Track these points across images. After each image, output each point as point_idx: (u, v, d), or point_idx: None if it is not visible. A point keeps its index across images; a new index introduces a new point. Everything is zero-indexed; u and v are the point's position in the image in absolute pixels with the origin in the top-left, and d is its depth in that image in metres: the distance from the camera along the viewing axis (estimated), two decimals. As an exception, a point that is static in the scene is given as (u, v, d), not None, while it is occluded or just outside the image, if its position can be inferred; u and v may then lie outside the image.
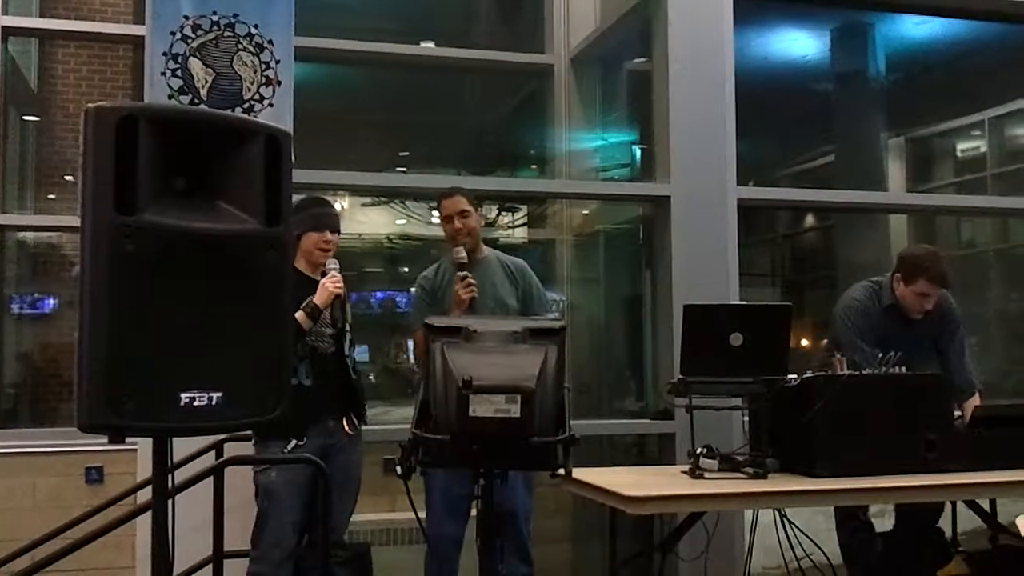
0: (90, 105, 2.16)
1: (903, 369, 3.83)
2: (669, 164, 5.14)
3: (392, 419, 5.63)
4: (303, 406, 3.47)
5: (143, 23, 4.52)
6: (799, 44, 10.22)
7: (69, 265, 7.97)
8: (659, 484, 3.49)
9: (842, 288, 4.69)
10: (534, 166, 8.23)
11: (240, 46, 4.34)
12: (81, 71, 8.40)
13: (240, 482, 3.85)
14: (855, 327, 4.36)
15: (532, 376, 2.61)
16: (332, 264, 3.98)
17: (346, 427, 4.00)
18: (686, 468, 3.58)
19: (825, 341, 4.77)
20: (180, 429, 2.31)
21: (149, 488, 2.50)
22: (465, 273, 4.04)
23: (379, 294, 10.55)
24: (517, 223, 8.99)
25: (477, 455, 2.67)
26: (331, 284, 3.91)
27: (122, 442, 2.19)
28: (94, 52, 8.40)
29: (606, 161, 6.91)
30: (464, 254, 4.11)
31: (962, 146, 12.49)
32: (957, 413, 4.17)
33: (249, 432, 3.82)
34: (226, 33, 4.33)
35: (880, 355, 3.91)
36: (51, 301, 8.19)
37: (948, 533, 4.53)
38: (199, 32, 4.29)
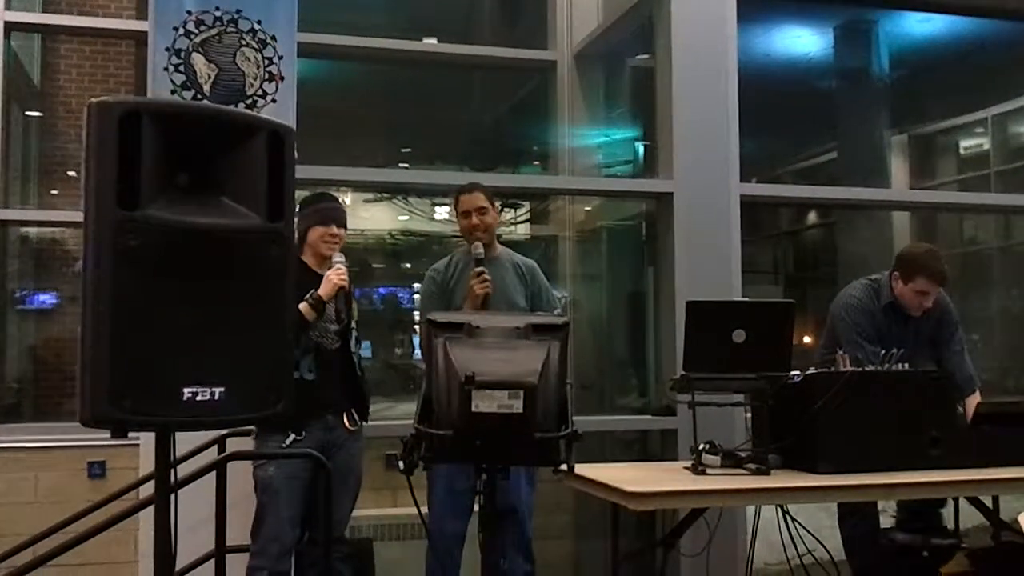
0: (93, 100, 2.16)
1: (905, 366, 3.83)
2: (672, 161, 5.14)
3: (395, 415, 5.64)
4: (304, 400, 3.48)
5: (146, 18, 4.52)
6: (802, 41, 10.22)
7: (72, 260, 7.97)
8: (661, 480, 3.49)
9: (844, 285, 4.69)
10: (537, 162, 8.23)
11: (243, 42, 4.34)
12: (84, 67, 8.40)
13: (241, 477, 3.85)
14: (856, 325, 4.36)
15: (535, 372, 2.62)
16: (338, 257, 3.99)
17: (346, 423, 4.00)
18: (688, 464, 3.58)
19: (822, 341, 4.76)
20: (182, 424, 2.31)
21: (151, 483, 2.50)
22: (481, 268, 4.05)
23: (381, 290, 10.56)
24: (520, 220, 8.99)
25: (480, 451, 2.67)
26: (335, 276, 3.92)
27: (124, 437, 2.20)
28: (97, 48, 8.40)
29: (609, 157, 6.91)
30: (482, 249, 4.11)
31: (965, 143, 12.47)
32: (959, 410, 4.17)
33: (251, 427, 3.82)
34: (229, 29, 4.33)
35: (882, 352, 3.91)
36: (54, 296, 8.19)
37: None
38: (202, 28, 4.30)
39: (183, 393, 2.20)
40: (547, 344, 2.72)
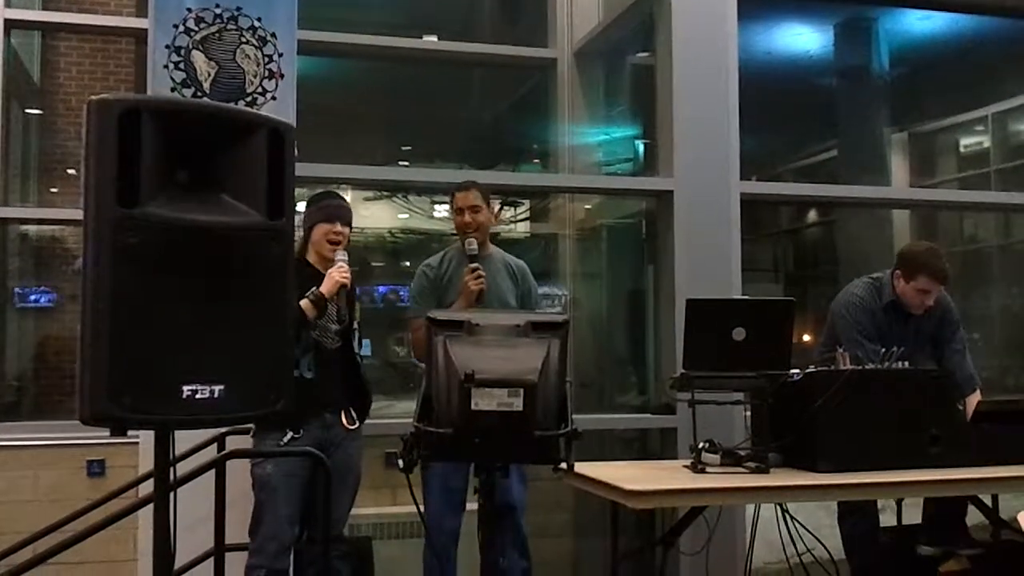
0: (93, 97, 2.16)
1: (905, 364, 3.83)
2: (672, 159, 5.14)
3: (394, 413, 5.63)
4: (302, 399, 3.47)
5: (146, 16, 4.52)
6: (802, 39, 10.22)
7: (72, 258, 7.97)
8: (661, 478, 3.49)
9: (844, 283, 4.69)
10: (537, 160, 8.22)
11: (243, 39, 4.33)
12: (84, 64, 8.38)
13: (240, 475, 3.85)
14: (857, 323, 4.36)
15: (534, 370, 2.61)
16: (341, 255, 3.97)
17: (344, 421, 3.99)
18: (688, 462, 3.58)
19: (821, 339, 4.75)
20: (182, 422, 2.31)
21: (151, 481, 2.50)
22: (476, 265, 4.05)
23: (382, 288, 10.54)
24: (520, 218, 8.99)
25: (479, 449, 2.67)
26: (337, 273, 3.91)
27: (124, 435, 2.20)
28: (97, 45, 8.38)
29: (609, 156, 6.91)
30: (475, 246, 4.13)
31: (965, 141, 12.45)
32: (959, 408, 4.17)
33: (250, 425, 3.81)
34: (229, 26, 4.33)
35: (883, 350, 3.91)
36: (53, 294, 8.19)
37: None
38: (202, 25, 4.29)
39: (182, 391, 2.20)
40: (547, 342, 2.72)
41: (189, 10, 4.28)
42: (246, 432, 3.93)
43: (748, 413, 3.88)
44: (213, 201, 2.28)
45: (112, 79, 8.33)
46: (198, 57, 4.28)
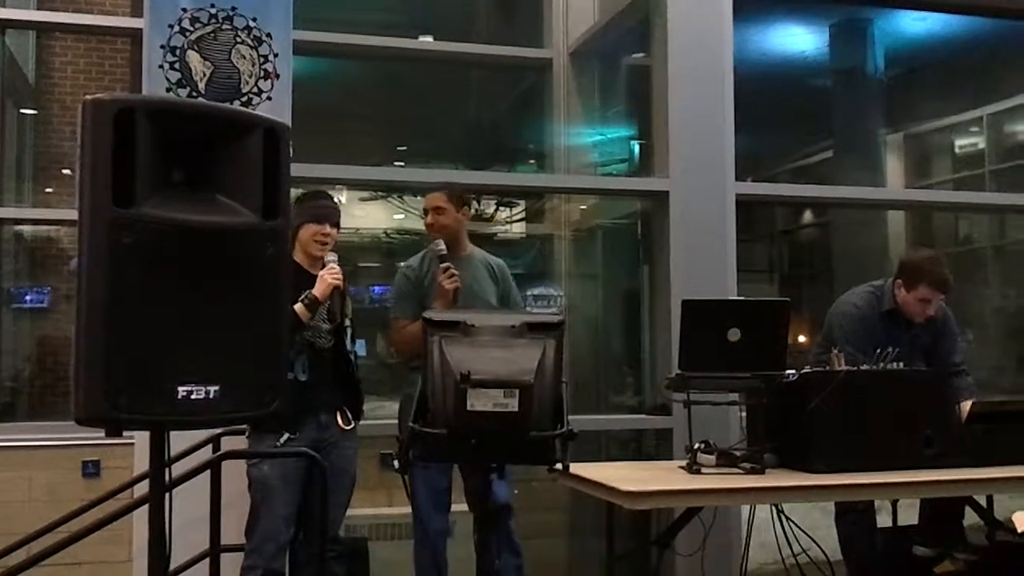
0: (88, 97, 2.15)
1: (900, 365, 3.83)
2: (667, 159, 5.14)
3: (389, 414, 5.63)
4: (296, 401, 3.46)
5: (141, 16, 4.51)
6: (798, 40, 10.24)
7: (67, 258, 7.95)
8: (656, 479, 3.49)
9: (839, 284, 4.70)
10: (532, 161, 8.21)
11: (238, 39, 4.33)
12: (79, 64, 8.38)
13: (236, 476, 3.85)
14: (849, 334, 4.31)
15: (530, 371, 2.61)
16: (331, 257, 3.96)
17: (340, 422, 3.99)
18: (683, 463, 3.58)
19: (817, 340, 4.75)
20: (177, 422, 2.30)
21: (146, 482, 2.49)
22: (448, 264, 4.06)
23: (376, 289, 10.53)
24: (515, 218, 8.99)
25: (475, 449, 2.67)
26: (330, 275, 3.89)
27: (119, 435, 2.19)
28: (92, 45, 8.38)
29: (604, 156, 6.91)
30: (443, 246, 4.14)
31: (960, 142, 12.47)
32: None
33: (245, 426, 3.81)
34: (224, 26, 4.32)
35: (878, 351, 3.90)
36: (48, 295, 8.17)
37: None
38: (197, 25, 4.29)
39: (178, 392, 2.20)
40: (542, 343, 2.72)
41: (184, 10, 4.27)
42: (241, 433, 3.93)
43: (744, 414, 3.88)
44: (208, 201, 2.28)
45: (107, 79, 8.33)
46: (193, 57, 4.28)
